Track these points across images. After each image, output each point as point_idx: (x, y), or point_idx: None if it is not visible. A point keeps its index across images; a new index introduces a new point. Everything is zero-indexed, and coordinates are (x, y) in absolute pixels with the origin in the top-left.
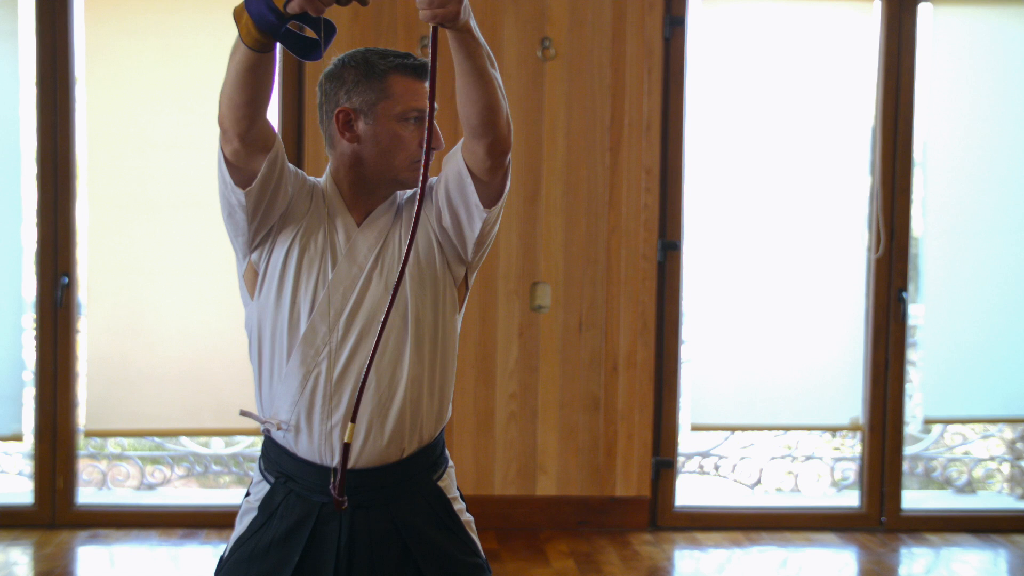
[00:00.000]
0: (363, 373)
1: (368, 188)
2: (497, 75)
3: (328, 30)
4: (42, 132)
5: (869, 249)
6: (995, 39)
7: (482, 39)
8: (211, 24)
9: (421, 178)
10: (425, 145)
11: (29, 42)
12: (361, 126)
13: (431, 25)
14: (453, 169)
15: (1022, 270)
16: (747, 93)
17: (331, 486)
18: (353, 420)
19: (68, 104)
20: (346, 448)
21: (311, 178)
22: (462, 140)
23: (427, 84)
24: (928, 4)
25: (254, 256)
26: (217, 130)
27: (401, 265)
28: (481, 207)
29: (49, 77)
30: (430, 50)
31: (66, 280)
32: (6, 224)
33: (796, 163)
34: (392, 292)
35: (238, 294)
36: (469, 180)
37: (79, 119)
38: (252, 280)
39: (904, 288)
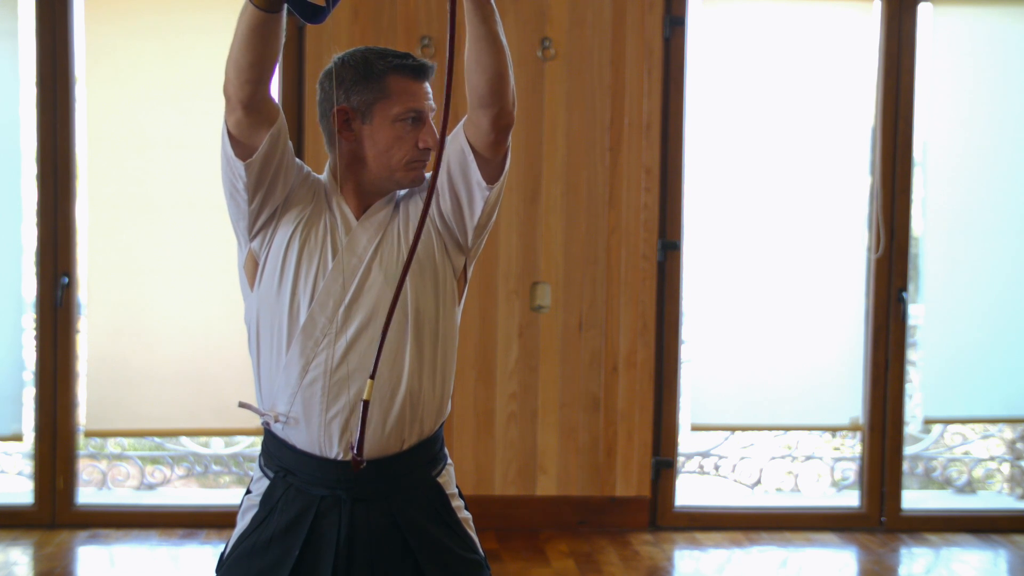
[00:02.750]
0: (380, 335)
1: (366, 186)
2: (507, 44)
3: None
4: (42, 132)
5: (869, 249)
6: (995, 39)
7: (495, 6)
8: (211, 24)
9: (438, 147)
10: (443, 114)
11: (29, 42)
12: (359, 125)
13: None
14: (455, 148)
15: (1022, 270)
16: (747, 93)
17: (351, 446)
18: (372, 377)
19: (68, 104)
20: (365, 405)
21: (314, 173)
22: (463, 120)
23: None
24: (928, 4)
25: (254, 244)
26: (216, 129)
27: (408, 255)
28: (484, 184)
29: (49, 77)
30: (448, 12)
31: (66, 280)
32: (6, 224)
33: (796, 163)
34: (397, 287)
35: (238, 294)
36: (472, 158)
37: (79, 119)
38: (252, 270)
39: (904, 288)
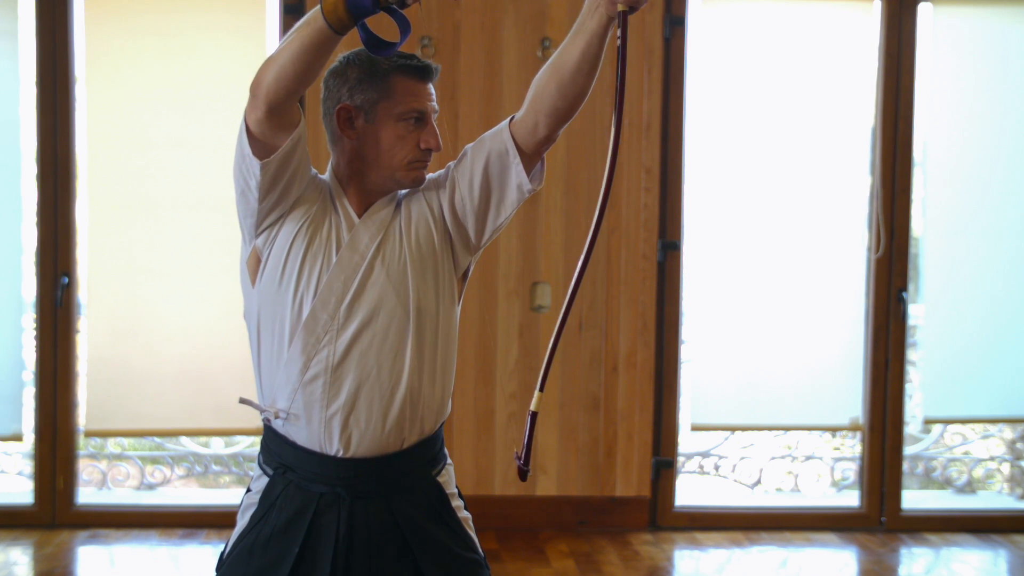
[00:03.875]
0: (552, 342)
1: (368, 185)
2: None
3: (404, 28)
4: (42, 132)
5: (869, 249)
6: (995, 39)
7: None
8: (211, 24)
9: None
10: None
11: (29, 42)
12: (361, 124)
13: (620, 11)
14: (497, 148)
15: (1022, 270)
16: (747, 93)
17: (516, 455)
18: (541, 389)
19: (68, 104)
20: (533, 417)
21: (320, 174)
22: (506, 122)
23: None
24: (928, 4)
25: (259, 241)
26: (216, 128)
27: (582, 261)
28: (528, 184)
29: (49, 77)
30: (620, 37)
31: (66, 280)
32: (6, 224)
33: (796, 163)
34: (571, 288)
35: (238, 294)
36: (517, 159)
37: (79, 119)
38: (254, 267)
39: (904, 288)
